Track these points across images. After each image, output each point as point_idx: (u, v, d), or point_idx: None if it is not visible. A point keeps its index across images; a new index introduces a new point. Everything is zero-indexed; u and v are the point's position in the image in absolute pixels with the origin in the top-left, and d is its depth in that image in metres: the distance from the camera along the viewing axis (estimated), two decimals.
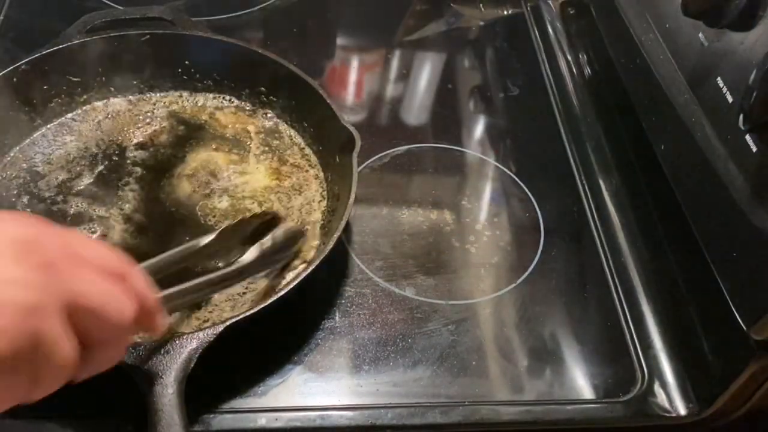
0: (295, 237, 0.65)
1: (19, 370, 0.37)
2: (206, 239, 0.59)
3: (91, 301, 0.40)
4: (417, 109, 0.90)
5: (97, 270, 0.41)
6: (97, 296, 0.40)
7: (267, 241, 0.61)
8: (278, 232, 0.62)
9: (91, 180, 0.72)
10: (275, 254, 0.62)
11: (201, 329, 0.55)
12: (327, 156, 0.74)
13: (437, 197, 0.78)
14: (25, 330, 0.36)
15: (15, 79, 0.72)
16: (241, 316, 0.56)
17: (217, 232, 0.59)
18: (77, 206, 0.70)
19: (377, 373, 0.63)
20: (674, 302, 0.68)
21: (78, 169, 0.73)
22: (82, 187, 0.71)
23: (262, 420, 0.59)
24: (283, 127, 0.79)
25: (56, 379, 0.40)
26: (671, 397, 0.63)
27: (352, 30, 1.01)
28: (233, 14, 0.96)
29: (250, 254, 0.60)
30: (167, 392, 0.51)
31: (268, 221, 0.63)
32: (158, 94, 0.80)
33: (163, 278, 0.52)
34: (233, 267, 0.59)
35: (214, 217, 0.70)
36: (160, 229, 0.69)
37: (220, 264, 0.61)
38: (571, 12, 1.00)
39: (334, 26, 1.00)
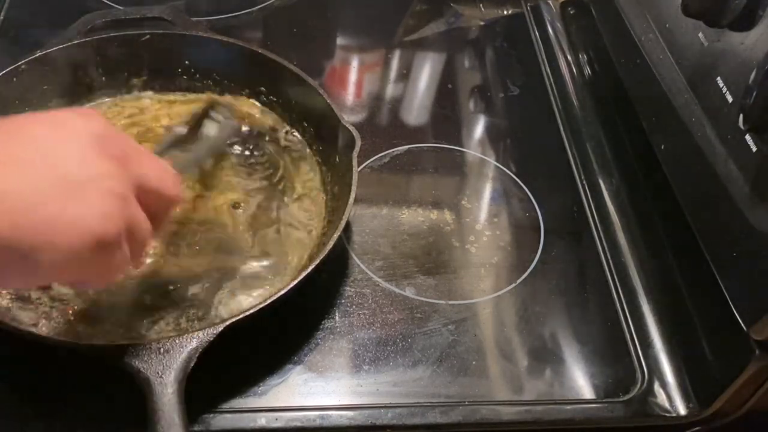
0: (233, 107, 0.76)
1: (123, 245, 0.45)
2: (184, 129, 0.70)
3: (153, 183, 0.49)
4: (417, 109, 0.90)
5: (146, 156, 0.50)
6: (156, 178, 0.49)
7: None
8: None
9: None
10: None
11: (201, 329, 0.55)
12: (327, 156, 0.74)
13: (437, 197, 0.78)
14: (124, 213, 0.45)
15: (15, 79, 0.72)
16: (241, 316, 0.56)
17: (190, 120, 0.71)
18: None
19: (377, 373, 0.63)
20: (674, 302, 0.68)
21: None
22: None
23: (262, 420, 0.59)
24: (283, 127, 0.79)
25: (144, 249, 0.50)
26: (671, 397, 0.63)
27: (352, 30, 1.01)
28: (233, 14, 0.96)
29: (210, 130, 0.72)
30: (167, 392, 0.51)
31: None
32: (158, 94, 0.80)
33: None
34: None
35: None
36: None
37: None
38: (571, 12, 1.00)
39: (334, 26, 1.00)
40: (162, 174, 0.50)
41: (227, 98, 0.78)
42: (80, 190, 0.42)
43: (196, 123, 0.72)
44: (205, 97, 0.78)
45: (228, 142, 0.75)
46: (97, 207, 0.43)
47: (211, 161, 0.72)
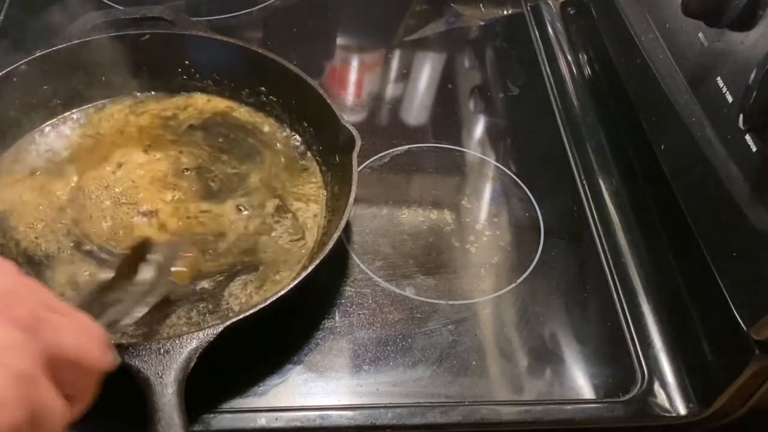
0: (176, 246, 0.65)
1: None
2: (109, 274, 0.58)
3: (71, 352, 0.37)
4: (417, 109, 0.90)
5: (64, 316, 0.38)
6: (74, 345, 0.38)
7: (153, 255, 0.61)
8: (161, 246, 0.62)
9: None
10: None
11: (201, 329, 0.55)
12: (327, 156, 0.74)
13: (437, 197, 0.78)
14: (22, 398, 0.33)
15: (15, 79, 0.72)
16: (241, 316, 0.56)
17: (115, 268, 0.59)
18: None
19: (377, 373, 0.63)
20: (674, 302, 0.68)
21: None
22: None
23: (262, 420, 0.59)
24: (283, 127, 0.79)
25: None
26: (671, 397, 0.63)
27: (352, 30, 1.01)
28: (233, 14, 0.96)
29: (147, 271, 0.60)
30: (167, 392, 0.51)
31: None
32: (158, 94, 0.80)
33: None
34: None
35: None
36: None
37: None
38: (571, 12, 1.00)
39: (334, 26, 1.00)
40: (83, 338, 0.38)
41: (165, 239, 0.67)
42: None
43: (126, 266, 0.60)
44: (138, 236, 0.67)
45: (167, 291, 0.61)
46: None
47: (145, 311, 0.58)
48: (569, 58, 0.96)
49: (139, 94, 0.80)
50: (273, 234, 0.69)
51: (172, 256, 0.63)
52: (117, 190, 0.70)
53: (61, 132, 0.76)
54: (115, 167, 0.72)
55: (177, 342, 0.54)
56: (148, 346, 0.53)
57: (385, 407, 0.60)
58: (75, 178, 0.71)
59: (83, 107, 0.78)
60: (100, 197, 0.70)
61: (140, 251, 0.61)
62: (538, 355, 0.65)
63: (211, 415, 0.58)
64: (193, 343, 0.54)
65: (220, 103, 0.80)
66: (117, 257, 0.64)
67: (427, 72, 0.95)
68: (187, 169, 0.73)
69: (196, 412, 0.57)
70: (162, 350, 0.53)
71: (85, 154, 0.74)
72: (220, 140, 0.77)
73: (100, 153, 0.74)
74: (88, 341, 0.39)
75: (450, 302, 0.68)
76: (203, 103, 0.80)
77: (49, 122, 0.76)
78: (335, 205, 0.70)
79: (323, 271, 0.61)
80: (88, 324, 0.39)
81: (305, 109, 0.76)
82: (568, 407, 0.63)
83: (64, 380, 0.37)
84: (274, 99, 0.79)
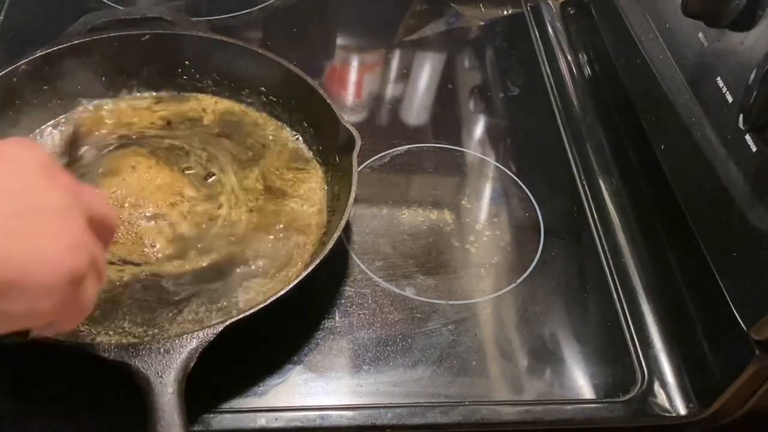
0: None
1: (89, 276, 0.42)
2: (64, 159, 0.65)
3: (100, 210, 0.45)
4: (417, 109, 0.90)
5: (85, 185, 0.46)
6: (101, 206, 0.46)
7: None
8: None
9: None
10: None
11: (201, 329, 0.55)
12: (327, 156, 0.74)
13: (437, 197, 0.78)
14: (86, 242, 0.42)
15: (15, 79, 0.72)
16: (241, 316, 0.56)
17: None
18: None
19: (377, 373, 0.63)
20: (674, 302, 0.68)
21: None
22: None
23: (262, 420, 0.59)
24: (283, 127, 0.79)
25: (102, 277, 0.45)
26: (671, 397, 0.63)
27: (352, 30, 1.01)
28: (233, 14, 0.96)
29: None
30: (167, 392, 0.51)
31: None
32: (158, 94, 0.80)
33: None
34: None
35: None
36: None
37: None
38: (571, 12, 1.00)
39: (334, 26, 1.00)
40: (104, 202, 0.47)
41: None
42: (43, 222, 0.39)
43: (71, 148, 0.65)
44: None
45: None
46: (65, 239, 0.40)
47: None
48: (569, 58, 0.96)
49: (138, 94, 0.79)
50: (273, 234, 0.69)
51: None
52: (122, 192, 0.70)
53: (62, 132, 0.76)
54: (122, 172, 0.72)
55: (177, 342, 0.54)
56: (148, 346, 0.53)
57: (385, 407, 0.60)
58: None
59: (84, 107, 0.78)
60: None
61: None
62: (538, 355, 0.65)
63: (211, 415, 0.58)
64: (193, 343, 0.54)
65: (226, 104, 0.80)
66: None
67: (427, 72, 0.95)
68: (189, 168, 0.73)
69: (196, 412, 0.57)
70: (162, 350, 0.53)
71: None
72: (224, 141, 0.77)
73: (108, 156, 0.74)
74: (106, 205, 0.48)
75: (450, 302, 0.68)
76: (211, 105, 0.80)
77: (50, 122, 0.76)
78: (335, 205, 0.70)
79: (323, 271, 0.61)
80: (101, 192, 0.51)
81: (305, 109, 0.76)
82: (568, 407, 0.63)
83: (95, 232, 0.44)
84: (274, 99, 0.79)
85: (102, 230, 0.45)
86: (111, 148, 0.74)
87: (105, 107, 0.78)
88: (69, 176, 0.43)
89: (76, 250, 0.40)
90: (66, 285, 0.40)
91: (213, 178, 0.73)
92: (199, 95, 0.80)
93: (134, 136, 0.76)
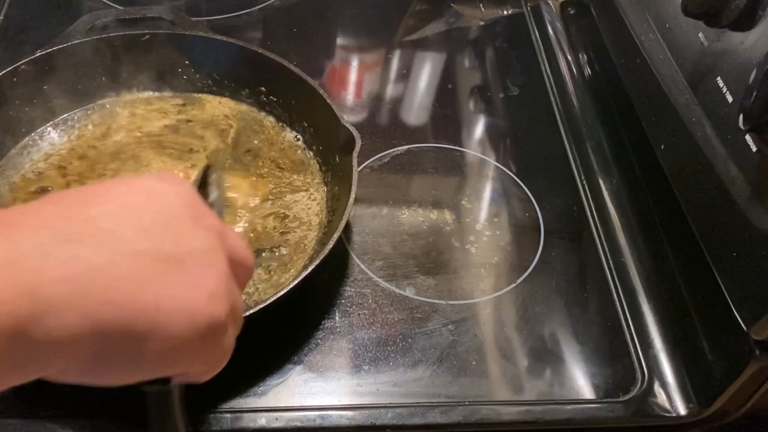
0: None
1: (229, 327, 0.40)
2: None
3: (242, 254, 0.42)
4: (417, 109, 0.90)
5: (228, 226, 0.43)
6: (243, 249, 0.42)
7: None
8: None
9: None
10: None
11: None
12: (327, 156, 0.74)
13: (437, 197, 0.78)
14: (228, 291, 0.39)
15: (15, 79, 0.72)
16: None
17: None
18: None
19: (377, 373, 0.63)
20: (674, 302, 0.68)
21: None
22: None
23: (262, 420, 0.59)
24: (283, 127, 0.79)
25: (240, 324, 0.42)
26: (671, 397, 0.63)
27: (352, 30, 1.01)
28: (233, 14, 0.96)
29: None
30: (167, 392, 0.51)
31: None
32: (158, 94, 0.80)
33: None
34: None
35: None
36: None
37: None
38: (571, 12, 1.00)
39: (334, 26, 1.00)
40: (245, 245, 0.43)
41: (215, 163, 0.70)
42: (184, 267, 0.36)
43: (202, 193, 0.64)
44: (202, 159, 0.70)
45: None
46: (205, 286, 0.37)
47: None
48: (569, 58, 0.96)
49: (139, 94, 0.79)
50: (273, 233, 0.69)
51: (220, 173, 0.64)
52: None
53: (62, 132, 0.76)
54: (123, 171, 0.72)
55: None
56: None
57: (385, 407, 0.60)
58: (86, 180, 0.71)
59: (84, 107, 0.78)
60: None
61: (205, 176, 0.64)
62: (538, 355, 0.65)
63: (211, 415, 0.58)
64: None
65: (226, 104, 0.80)
66: None
67: (427, 72, 0.95)
68: (194, 166, 0.73)
69: (196, 412, 0.57)
70: None
71: (91, 155, 0.74)
72: (224, 141, 0.77)
73: (108, 156, 0.74)
74: (246, 245, 0.43)
75: (450, 302, 0.68)
76: (211, 105, 0.80)
77: (50, 122, 0.76)
78: (335, 205, 0.70)
79: (323, 271, 0.61)
80: (240, 234, 0.45)
81: (305, 109, 0.76)
82: (568, 407, 0.63)
83: (235, 277, 0.41)
84: (274, 99, 0.79)
85: (241, 273, 0.42)
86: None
87: (106, 107, 0.78)
88: (214, 217, 0.41)
89: (216, 299, 0.37)
90: (204, 335, 0.37)
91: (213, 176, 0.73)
92: (200, 95, 0.80)
93: (141, 136, 0.76)
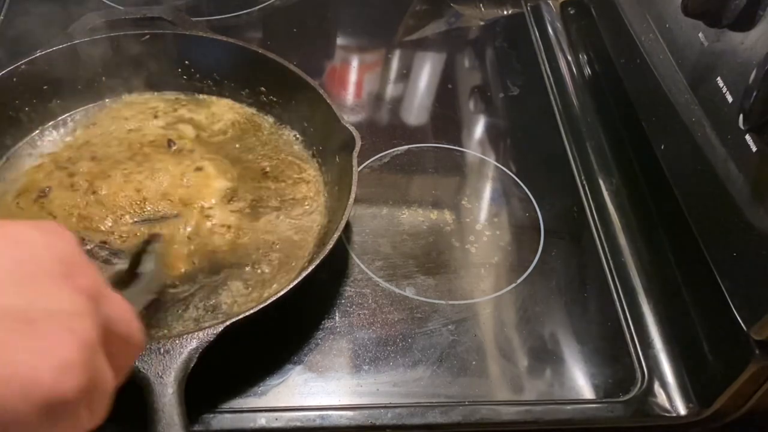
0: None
1: (80, 409, 0.34)
2: (125, 264, 0.60)
3: (123, 327, 0.37)
4: (417, 109, 0.90)
5: (113, 293, 0.38)
6: (126, 321, 0.37)
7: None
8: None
9: None
10: None
11: (201, 329, 0.55)
12: (327, 156, 0.74)
13: (437, 197, 0.78)
14: (86, 364, 0.33)
15: (15, 79, 0.72)
16: (241, 316, 0.56)
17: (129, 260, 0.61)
18: None
19: (377, 373, 0.63)
20: (674, 302, 0.68)
21: None
22: None
23: (262, 420, 0.59)
24: (283, 127, 0.79)
25: (104, 409, 0.36)
26: (671, 397, 0.63)
27: (352, 30, 1.01)
28: (233, 14, 0.96)
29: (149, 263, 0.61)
30: (167, 392, 0.51)
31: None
32: (158, 94, 0.80)
33: None
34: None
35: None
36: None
37: None
38: (571, 12, 1.00)
39: (334, 26, 1.00)
40: (131, 317, 0.38)
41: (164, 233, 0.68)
42: (33, 328, 0.31)
43: (135, 259, 0.62)
44: (144, 232, 0.67)
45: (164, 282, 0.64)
46: (54, 354, 0.31)
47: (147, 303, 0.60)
48: (569, 58, 0.96)
49: (139, 94, 0.79)
50: (273, 234, 0.69)
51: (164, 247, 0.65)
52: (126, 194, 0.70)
53: (62, 132, 0.76)
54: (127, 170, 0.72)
55: (177, 342, 0.54)
56: (148, 346, 0.53)
57: (385, 407, 0.60)
58: (86, 179, 0.71)
59: (84, 107, 0.78)
60: (118, 200, 0.70)
61: (145, 245, 0.63)
62: (538, 355, 0.65)
63: (211, 415, 0.58)
64: (193, 343, 0.54)
65: (226, 104, 0.80)
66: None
67: (427, 72, 0.95)
68: (198, 169, 0.73)
69: (196, 412, 0.57)
70: (162, 350, 0.53)
71: (91, 155, 0.74)
72: (224, 141, 0.77)
73: (108, 156, 0.74)
74: (134, 319, 0.38)
75: (450, 302, 0.68)
76: (211, 105, 0.80)
77: (50, 122, 0.76)
78: (335, 205, 0.70)
79: (323, 271, 0.61)
80: (130, 306, 0.39)
81: (305, 109, 0.76)
82: (568, 407, 0.63)
83: (111, 353, 0.36)
84: (274, 99, 0.79)
85: (120, 348, 0.37)
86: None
87: (107, 107, 0.78)
88: (95, 278, 0.36)
89: (66, 372, 0.32)
90: (42, 413, 0.31)
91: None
92: (200, 95, 0.80)
93: (140, 135, 0.76)
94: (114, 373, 0.36)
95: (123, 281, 0.58)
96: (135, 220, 0.68)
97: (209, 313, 0.63)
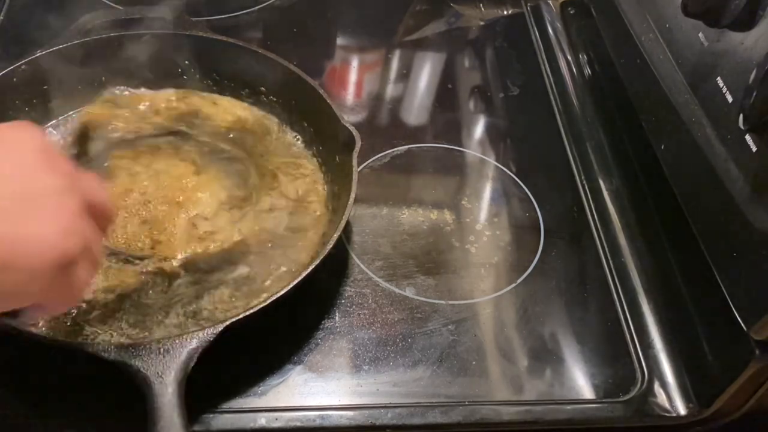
0: None
1: (81, 262, 0.43)
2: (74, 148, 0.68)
3: (99, 198, 0.46)
4: (417, 109, 0.90)
5: (84, 172, 0.46)
6: (100, 193, 0.47)
7: None
8: None
9: None
10: None
11: (201, 329, 0.55)
12: (327, 156, 0.74)
13: (437, 197, 0.78)
14: (80, 227, 0.42)
15: (15, 79, 0.72)
16: (241, 316, 0.56)
17: None
18: None
19: (377, 373, 0.63)
20: (674, 302, 0.68)
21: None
22: None
23: (262, 420, 0.59)
24: (283, 127, 0.79)
25: (96, 264, 0.46)
26: (671, 397, 0.63)
27: (352, 30, 1.01)
28: (233, 14, 0.96)
29: None
30: (167, 392, 0.51)
31: None
32: (158, 94, 0.80)
33: None
34: None
35: None
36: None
37: None
38: (571, 12, 1.00)
39: (334, 26, 1.00)
40: (103, 189, 0.48)
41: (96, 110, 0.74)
42: (37, 205, 0.40)
43: (80, 139, 0.67)
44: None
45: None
46: (57, 223, 0.41)
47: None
48: (569, 58, 0.96)
49: (138, 94, 0.79)
50: (272, 234, 0.69)
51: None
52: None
53: (62, 132, 0.76)
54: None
55: (177, 342, 0.54)
56: (148, 346, 0.53)
57: (385, 407, 0.60)
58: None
59: (84, 107, 0.78)
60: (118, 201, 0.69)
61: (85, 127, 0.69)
62: (538, 355, 0.65)
63: (211, 415, 0.58)
64: (193, 343, 0.54)
65: (226, 104, 0.80)
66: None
67: (427, 72, 0.95)
68: (195, 173, 0.73)
69: (196, 412, 0.57)
70: (162, 350, 0.53)
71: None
72: (224, 141, 0.77)
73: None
74: (105, 192, 0.48)
75: (450, 302, 0.68)
76: (211, 105, 0.80)
77: (50, 122, 0.76)
78: (335, 205, 0.70)
79: (323, 271, 0.61)
80: (100, 180, 0.48)
81: (305, 109, 0.76)
82: (568, 407, 0.63)
83: (93, 219, 0.45)
84: (274, 99, 0.79)
85: (100, 217, 0.46)
86: (119, 143, 0.74)
87: (105, 107, 0.78)
88: (68, 162, 0.44)
89: (68, 234, 0.41)
90: (55, 268, 0.40)
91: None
92: (200, 95, 0.80)
93: (139, 132, 0.76)
94: (98, 234, 0.46)
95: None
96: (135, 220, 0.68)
97: (189, 319, 0.62)
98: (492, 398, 0.62)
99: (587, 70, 0.93)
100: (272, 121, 0.79)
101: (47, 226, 0.40)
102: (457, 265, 0.71)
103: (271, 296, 0.58)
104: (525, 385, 0.64)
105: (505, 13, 1.03)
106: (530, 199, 0.78)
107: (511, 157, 0.83)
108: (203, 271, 0.65)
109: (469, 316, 0.67)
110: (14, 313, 0.45)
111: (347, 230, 0.72)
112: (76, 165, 0.45)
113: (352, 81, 0.93)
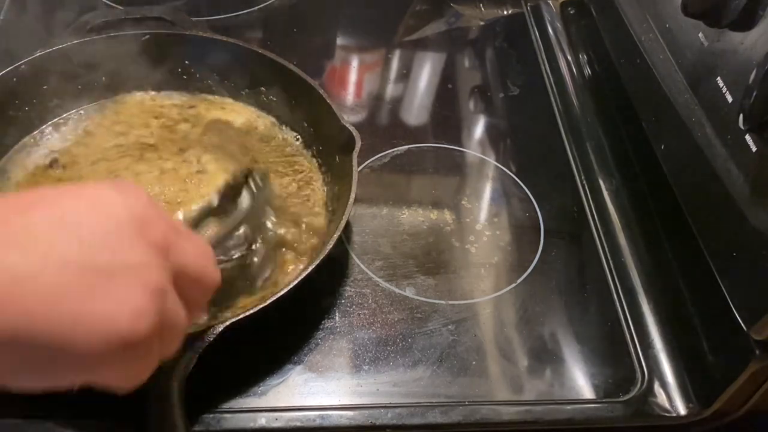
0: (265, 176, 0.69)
1: (154, 345, 0.39)
2: (215, 198, 0.63)
3: (194, 270, 0.42)
4: (417, 109, 0.90)
5: (187, 239, 0.43)
6: (198, 265, 0.43)
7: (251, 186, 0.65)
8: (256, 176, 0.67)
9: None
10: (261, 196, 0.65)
11: (201, 329, 0.55)
12: (327, 156, 0.74)
13: (437, 197, 0.78)
14: (157, 309, 0.38)
15: (15, 79, 0.72)
16: (241, 316, 0.56)
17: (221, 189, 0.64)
18: None
19: (377, 373, 0.63)
20: (674, 302, 0.68)
21: None
22: None
23: (262, 420, 0.59)
24: (283, 127, 0.79)
25: (177, 342, 0.43)
26: (671, 397, 0.63)
27: (352, 30, 1.01)
28: (233, 14, 0.96)
29: (244, 201, 0.64)
30: (167, 392, 0.51)
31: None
32: (158, 94, 0.80)
33: None
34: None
35: None
36: None
37: None
38: (571, 12, 1.00)
39: (334, 26, 1.00)
40: (203, 260, 0.44)
41: (261, 166, 0.71)
42: (111, 281, 0.36)
43: (231, 192, 0.64)
44: (246, 161, 0.70)
45: (263, 214, 0.66)
46: (129, 302, 0.37)
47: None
48: (569, 58, 0.96)
49: (138, 94, 0.79)
50: (272, 234, 0.69)
51: (265, 181, 0.67)
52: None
53: (62, 132, 0.76)
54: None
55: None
56: None
57: (385, 407, 0.60)
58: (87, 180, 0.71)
59: (84, 107, 0.78)
60: None
61: (244, 178, 0.65)
62: (538, 355, 0.65)
63: (211, 415, 0.58)
64: (193, 343, 0.54)
65: (226, 104, 0.80)
66: None
67: (427, 72, 0.95)
68: (199, 172, 0.73)
69: (196, 412, 0.57)
70: None
71: (91, 155, 0.74)
72: (224, 141, 0.77)
73: (109, 156, 0.74)
74: (206, 262, 0.44)
75: (450, 302, 0.68)
76: (212, 105, 0.80)
77: (50, 122, 0.76)
78: (335, 205, 0.70)
79: (323, 271, 0.61)
80: (205, 247, 0.45)
81: (305, 109, 0.76)
82: (568, 407, 0.63)
83: (186, 292, 0.42)
84: (274, 99, 0.79)
85: (194, 290, 0.43)
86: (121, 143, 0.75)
87: (107, 107, 0.78)
88: (165, 230, 0.40)
89: (139, 316, 0.37)
90: (116, 351, 0.37)
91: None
92: (200, 95, 0.80)
93: (140, 132, 0.76)
94: (189, 307, 0.42)
95: (214, 213, 0.61)
96: None
97: None
98: (492, 398, 0.62)
99: (587, 70, 0.93)
100: (272, 121, 0.79)
101: (117, 305, 0.36)
102: (457, 265, 0.71)
103: (271, 296, 0.58)
104: (525, 385, 0.64)
105: (505, 13, 1.04)
106: (530, 199, 0.78)
107: (511, 156, 0.83)
108: None
109: (469, 316, 0.67)
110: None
111: (347, 230, 0.72)
112: (178, 227, 0.42)
113: (352, 81, 0.93)
